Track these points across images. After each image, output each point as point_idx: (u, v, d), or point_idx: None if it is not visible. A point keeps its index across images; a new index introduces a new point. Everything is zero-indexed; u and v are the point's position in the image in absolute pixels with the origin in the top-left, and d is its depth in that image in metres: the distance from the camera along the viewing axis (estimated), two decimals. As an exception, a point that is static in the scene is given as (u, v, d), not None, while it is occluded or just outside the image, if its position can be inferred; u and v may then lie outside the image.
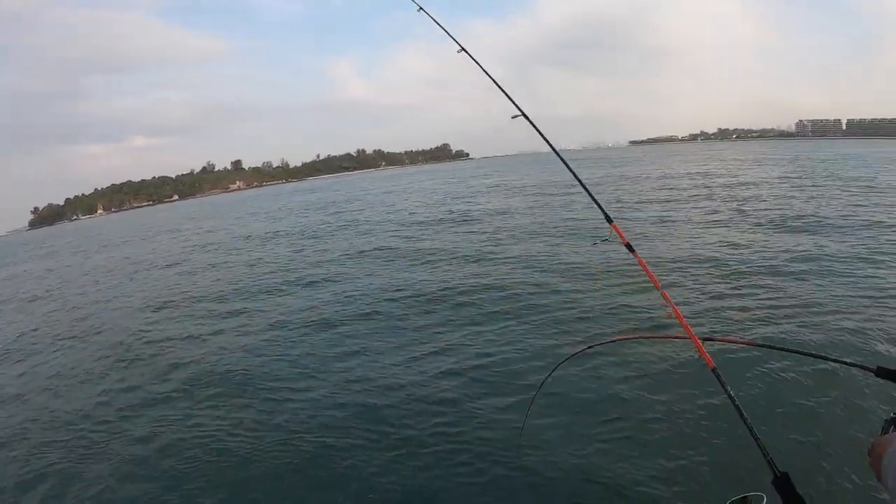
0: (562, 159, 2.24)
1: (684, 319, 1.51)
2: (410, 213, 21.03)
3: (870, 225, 10.67)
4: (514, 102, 2.37)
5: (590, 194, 2.03)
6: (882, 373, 1.26)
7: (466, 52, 2.69)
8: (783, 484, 1.14)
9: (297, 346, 6.72)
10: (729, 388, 1.30)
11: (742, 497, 1.19)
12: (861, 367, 1.38)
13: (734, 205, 14.94)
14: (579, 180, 2.14)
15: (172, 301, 10.65)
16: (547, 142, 2.27)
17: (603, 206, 1.95)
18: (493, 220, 16.36)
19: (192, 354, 6.95)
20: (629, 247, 1.70)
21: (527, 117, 2.31)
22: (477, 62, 2.70)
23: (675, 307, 1.55)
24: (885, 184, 17.94)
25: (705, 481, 3.57)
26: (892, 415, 1.03)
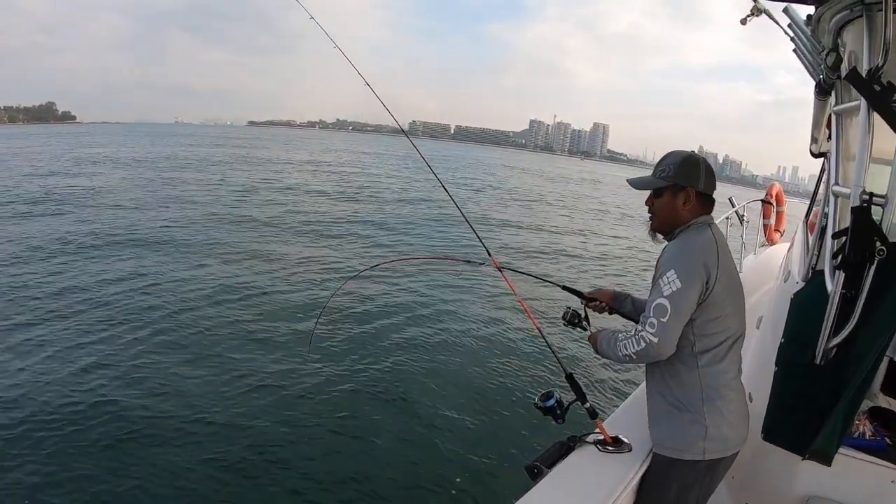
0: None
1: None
2: None
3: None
4: (370, 87, 2.42)
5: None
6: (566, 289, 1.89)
7: (339, 48, 2.52)
8: (570, 379, 1.62)
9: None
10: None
11: (546, 392, 1.62)
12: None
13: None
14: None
15: None
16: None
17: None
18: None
19: None
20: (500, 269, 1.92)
21: (374, 92, 2.42)
22: (345, 56, 2.51)
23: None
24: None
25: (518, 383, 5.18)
26: (568, 312, 1.75)
